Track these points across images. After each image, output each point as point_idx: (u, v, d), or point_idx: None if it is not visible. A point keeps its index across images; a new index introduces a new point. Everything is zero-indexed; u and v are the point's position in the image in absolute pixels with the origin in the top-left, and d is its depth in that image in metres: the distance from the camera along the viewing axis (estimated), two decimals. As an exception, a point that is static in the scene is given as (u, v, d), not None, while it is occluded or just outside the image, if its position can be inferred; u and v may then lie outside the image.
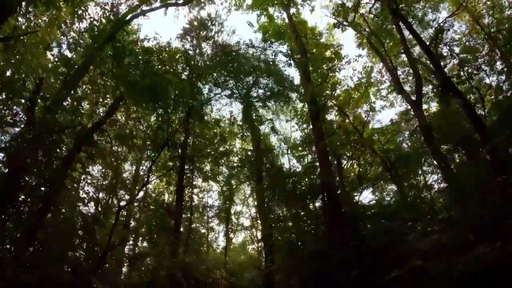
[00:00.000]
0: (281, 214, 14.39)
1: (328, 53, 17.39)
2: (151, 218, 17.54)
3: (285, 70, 19.02)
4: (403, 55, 20.75)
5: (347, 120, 18.01)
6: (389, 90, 20.18)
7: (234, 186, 24.26)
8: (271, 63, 20.34)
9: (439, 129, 13.30)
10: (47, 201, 11.64)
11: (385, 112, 53.75)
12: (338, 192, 12.17)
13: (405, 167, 16.38)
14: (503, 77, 19.18)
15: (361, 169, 17.69)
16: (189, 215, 18.79)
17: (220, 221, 24.28)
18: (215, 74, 20.82)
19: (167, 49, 16.18)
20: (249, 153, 20.16)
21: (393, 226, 9.25)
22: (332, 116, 20.69)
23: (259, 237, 21.20)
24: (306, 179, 12.88)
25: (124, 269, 21.09)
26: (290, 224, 14.04)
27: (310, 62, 15.37)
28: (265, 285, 15.92)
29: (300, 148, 20.09)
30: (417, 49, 20.51)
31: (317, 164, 12.78)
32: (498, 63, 20.28)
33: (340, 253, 10.67)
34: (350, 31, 20.48)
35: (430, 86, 19.84)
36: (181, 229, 19.53)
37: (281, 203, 13.35)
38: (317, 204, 14.23)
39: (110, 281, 11.54)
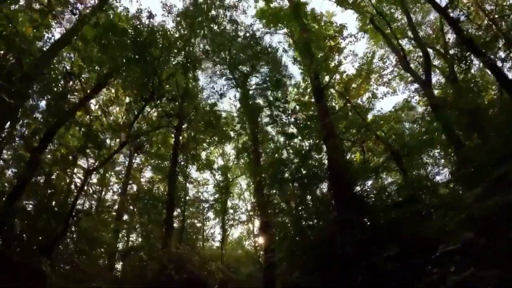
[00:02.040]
0: (282, 200, 12.81)
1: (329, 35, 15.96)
2: (143, 208, 15.92)
3: (286, 53, 17.59)
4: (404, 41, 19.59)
5: (348, 104, 16.57)
6: (392, 76, 18.89)
7: (231, 179, 22.72)
8: (269, 49, 19.02)
9: (452, 106, 11.94)
10: (22, 183, 10.02)
11: (387, 102, 52.51)
12: (346, 172, 10.66)
13: (410, 155, 15.06)
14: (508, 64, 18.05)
15: (365, 157, 16.28)
16: (182, 206, 17.12)
17: (216, 215, 22.63)
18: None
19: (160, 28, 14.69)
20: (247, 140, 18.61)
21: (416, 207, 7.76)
22: (333, 103, 19.29)
23: (257, 228, 19.43)
24: (311, 161, 11.32)
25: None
26: (293, 211, 12.49)
27: (312, 41, 13.91)
28: (265, 280, 14.33)
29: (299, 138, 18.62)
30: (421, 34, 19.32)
31: (322, 144, 11.25)
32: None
33: (352, 239, 9.23)
34: (350, 20, 19.11)
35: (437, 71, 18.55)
36: (175, 223, 17.97)
37: (282, 187, 11.75)
38: (324, 190, 12.74)
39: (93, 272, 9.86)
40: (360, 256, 8.86)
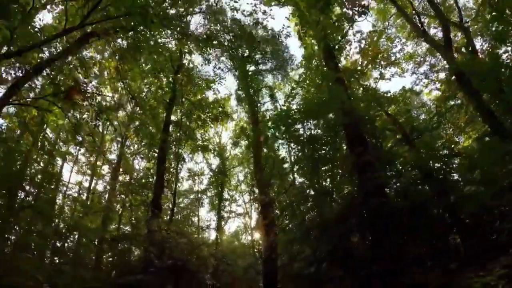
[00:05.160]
0: (285, 178, 10.63)
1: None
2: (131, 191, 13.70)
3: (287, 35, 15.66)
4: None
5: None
6: (401, 54, 16.94)
7: (228, 169, 20.54)
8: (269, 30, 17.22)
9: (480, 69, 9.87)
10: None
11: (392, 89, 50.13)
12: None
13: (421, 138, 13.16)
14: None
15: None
16: (173, 191, 14.84)
17: (212, 207, 20.33)
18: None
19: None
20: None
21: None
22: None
23: (258, 210, 16.92)
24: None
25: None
26: (296, 191, 10.34)
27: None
28: (265, 271, 12.09)
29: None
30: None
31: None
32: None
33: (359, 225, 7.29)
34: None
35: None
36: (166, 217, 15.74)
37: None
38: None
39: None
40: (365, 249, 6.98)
